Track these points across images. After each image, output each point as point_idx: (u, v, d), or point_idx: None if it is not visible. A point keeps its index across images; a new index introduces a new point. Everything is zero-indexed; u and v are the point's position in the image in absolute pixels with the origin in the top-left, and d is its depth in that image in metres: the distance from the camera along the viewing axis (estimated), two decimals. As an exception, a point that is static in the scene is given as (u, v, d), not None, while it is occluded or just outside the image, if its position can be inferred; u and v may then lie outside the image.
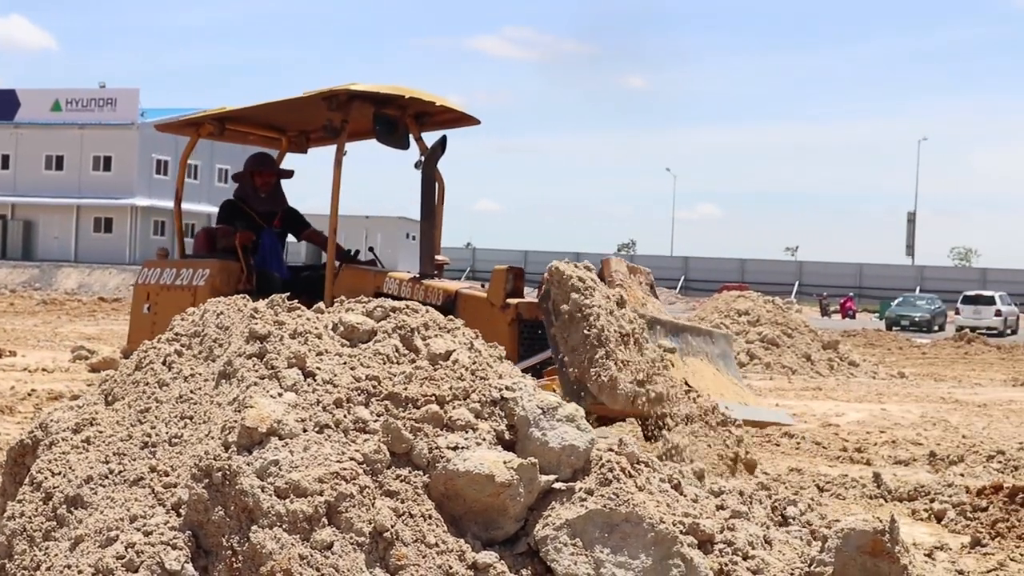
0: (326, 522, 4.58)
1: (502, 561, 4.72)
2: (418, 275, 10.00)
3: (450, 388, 5.14)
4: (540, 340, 8.87)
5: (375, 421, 4.94)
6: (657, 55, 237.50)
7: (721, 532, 5.30)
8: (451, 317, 5.74)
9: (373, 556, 4.58)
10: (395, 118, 10.24)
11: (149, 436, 5.18)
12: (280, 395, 4.94)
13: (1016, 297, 63.32)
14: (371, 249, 11.25)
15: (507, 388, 5.18)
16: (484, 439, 4.97)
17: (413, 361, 5.31)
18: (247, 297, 5.83)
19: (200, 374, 5.43)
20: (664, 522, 4.91)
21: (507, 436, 5.06)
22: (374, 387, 5.07)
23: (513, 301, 9.25)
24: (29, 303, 45.55)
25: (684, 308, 63.44)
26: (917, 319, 55.43)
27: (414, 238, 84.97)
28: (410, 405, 5.04)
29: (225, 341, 5.51)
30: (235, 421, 4.80)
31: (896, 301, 61.22)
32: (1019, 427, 16.57)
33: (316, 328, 5.35)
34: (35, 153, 76.66)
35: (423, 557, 4.61)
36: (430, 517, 4.75)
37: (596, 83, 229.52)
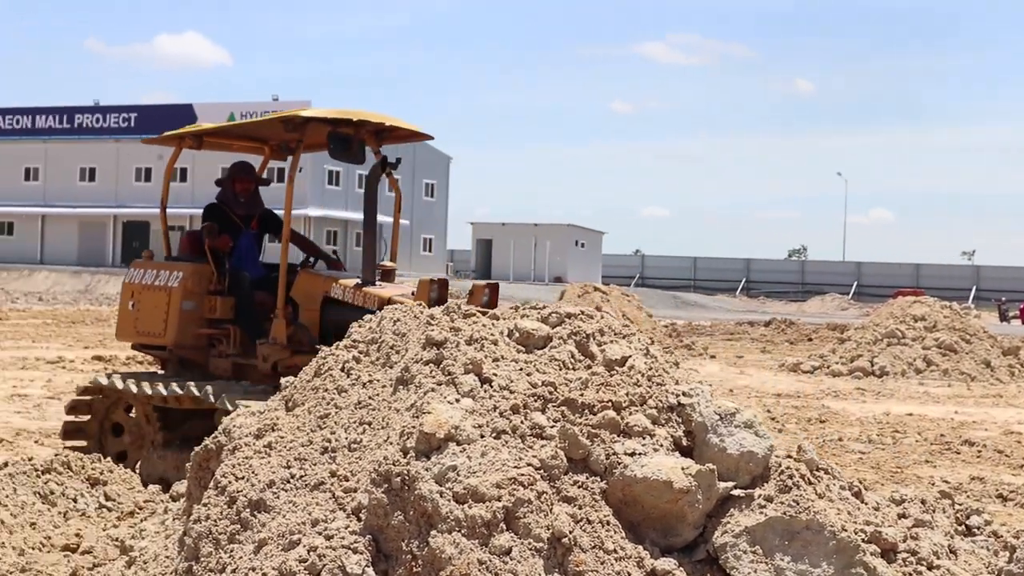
0: (504, 527, 4.59)
1: (681, 568, 4.68)
2: (360, 281, 10.84)
3: (627, 394, 5.11)
4: None
5: (552, 427, 4.93)
6: (825, 57, 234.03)
7: (904, 541, 5.19)
8: (626, 323, 5.71)
9: (551, 562, 4.57)
10: (349, 136, 11.02)
11: (329, 441, 5.24)
12: (457, 401, 4.96)
13: None
14: (334, 251, 12.49)
15: (684, 394, 5.14)
16: (661, 445, 4.94)
17: (589, 367, 5.30)
18: (423, 304, 5.90)
19: (378, 380, 5.49)
20: (846, 530, 4.82)
21: (684, 442, 5.02)
22: (550, 393, 5.07)
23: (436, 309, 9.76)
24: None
25: (857, 314, 62.43)
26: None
27: (583, 245, 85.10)
28: (587, 411, 5.03)
29: (402, 348, 5.56)
30: (413, 427, 4.84)
31: (1079, 305, 59.50)
32: None
33: (492, 334, 5.37)
34: (211, 166, 78.01)
35: (601, 563, 4.59)
36: (608, 523, 4.73)
37: (763, 87, 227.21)
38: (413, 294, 10.39)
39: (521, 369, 5.22)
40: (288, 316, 11.06)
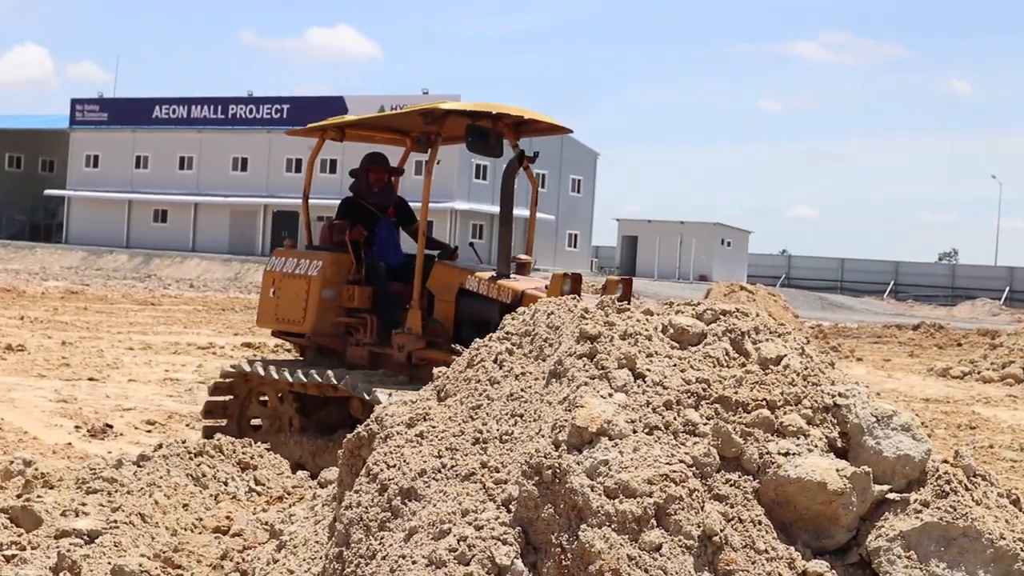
0: (655, 523, 4.57)
1: (833, 571, 4.63)
2: (495, 274, 10.88)
3: (781, 393, 5.06)
4: None
5: (705, 424, 4.90)
6: (981, 57, 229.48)
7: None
8: (781, 322, 5.65)
9: (701, 560, 4.55)
10: (487, 129, 11.06)
11: (480, 432, 5.27)
12: (610, 395, 4.95)
13: None
14: (471, 244, 12.99)
15: (840, 395, 5.07)
16: (816, 446, 4.88)
17: (743, 365, 5.25)
18: (578, 297, 5.91)
19: (530, 372, 5.50)
20: (1004, 538, 4.73)
21: (839, 444, 4.96)
22: (704, 390, 5.04)
23: None
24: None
25: (1009, 319, 61.13)
26: None
27: (729, 244, 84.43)
28: (740, 409, 4.99)
29: (555, 341, 5.56)
30: (566, 420, 4.84)
31: None
32: None
33: (646, 330, 5.35)
34: (360, 158, 79.24)
35: (752, 563, 4.55)
36: (759, 523, 4.69)
37: (917, 87, 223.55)
38: (546, 288, 10.43)
39: (675, 365, 5.19)
40: (423, 307, 11.15)
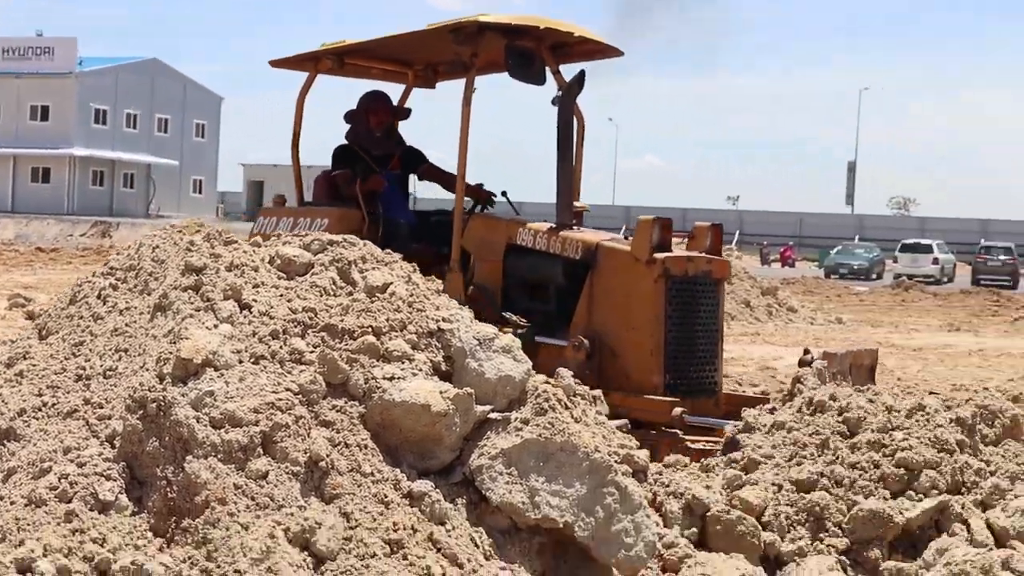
0: (261, 452, 4.58)
1: (437, 490, 4.73)
2: (555, 225, 9.04)
3: (387, 320, 5.13)
4: (691, 299, 8.38)
5: (311, 352, 4.93)
6: None
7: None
8: (387, 251, 5.69)
9: (308, 485, 4.58)
10: (530, 51, 9.26)
11: (83, 369, 5.15)
12: (216, 327, 4.92)
13: (953, 245, 63.87)
14: (504, 193, 10.24)
15: (444, 320, 5.18)
16: (420, 370, 4.97)
17: (350, 293, 5.30)
18: (183, 230, 5.77)
19: (135, 307, 5.40)
20: (599, 451, 4.94)
21: (444, 367, 5.07)
22: (310, 319, 5.06)
23: (660, 256, 8.30)
24: (-36, 252, 44.99)
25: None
26: (856, 267, 55.81)
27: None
28: (346, 336, 5.03)
29: (160, 274, 5.48)
30: (170, 353, 4.78)
31: (835, 250, 61.61)
32: (953, 370, 16.79)
33: (252, 261, 5.32)
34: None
35: (358, 486, 4.61)
36: (366, 447, 4.75)
37: None
38: (627, 238, 8.88)
39: (281, 295, 5.19)
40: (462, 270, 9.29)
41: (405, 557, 4.45)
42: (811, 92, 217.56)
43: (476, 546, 4.71)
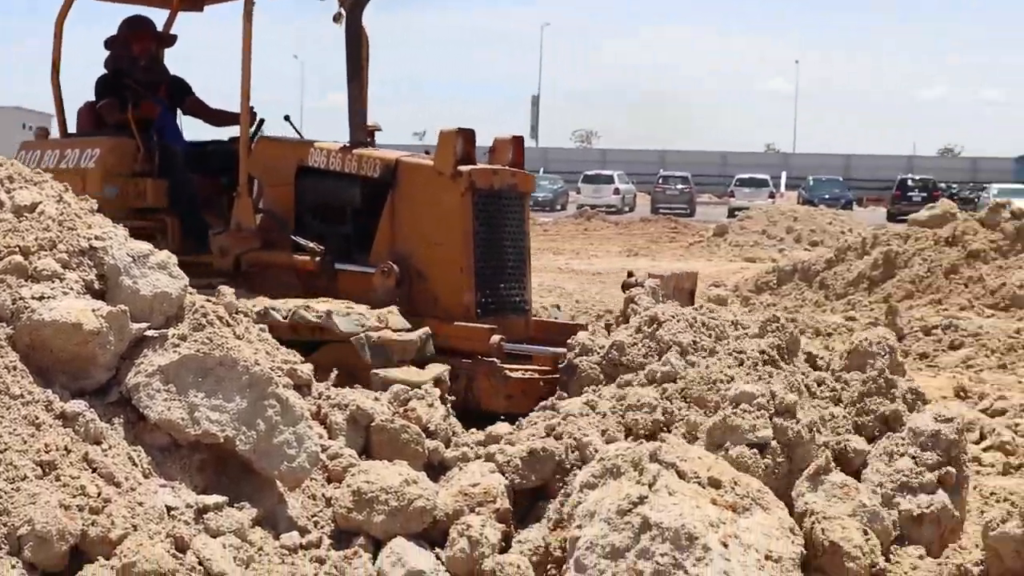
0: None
1: (92, 410, 4.62)
2: (348, 144, 8.59)
3: (35, 239, 4.96)
4: (498, 214, 8.09)
5: (-38, 276, 4.74)
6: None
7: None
8: (37, 171, 5.50)
9: (-38, 412, 4.41)
10: None
11: None
12: None
13: (633, 176, 65.67)
14: (287, 117, 9.78)
15: (96, 237, 5.05)
16: (72, 288, 4.83)
17: (-6, 213, 5.10)
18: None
19: None
20: (260, 364, 4.92)
21: (97, 286, 4.94)
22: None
23: (465, 168, 7.97)
24: None
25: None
26: (540, 199, 56.74)
27: (31, 128, 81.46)
28: (-7, 257, 4.85)
29: None
30: None
31: (520, 182, 62.62)
32: (629, 291, 17.31)
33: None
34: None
35: (7, 408, 4.44)
36: (15, 368, 4.59)
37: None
38: (427, 152, 8.42)
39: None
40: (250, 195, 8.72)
41: (58, 478, 4.33)
42: (492, 28, 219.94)
43: (135, 464, 4.63)
